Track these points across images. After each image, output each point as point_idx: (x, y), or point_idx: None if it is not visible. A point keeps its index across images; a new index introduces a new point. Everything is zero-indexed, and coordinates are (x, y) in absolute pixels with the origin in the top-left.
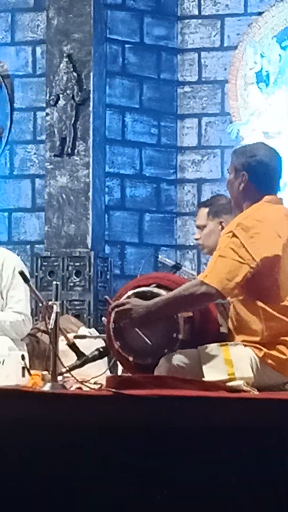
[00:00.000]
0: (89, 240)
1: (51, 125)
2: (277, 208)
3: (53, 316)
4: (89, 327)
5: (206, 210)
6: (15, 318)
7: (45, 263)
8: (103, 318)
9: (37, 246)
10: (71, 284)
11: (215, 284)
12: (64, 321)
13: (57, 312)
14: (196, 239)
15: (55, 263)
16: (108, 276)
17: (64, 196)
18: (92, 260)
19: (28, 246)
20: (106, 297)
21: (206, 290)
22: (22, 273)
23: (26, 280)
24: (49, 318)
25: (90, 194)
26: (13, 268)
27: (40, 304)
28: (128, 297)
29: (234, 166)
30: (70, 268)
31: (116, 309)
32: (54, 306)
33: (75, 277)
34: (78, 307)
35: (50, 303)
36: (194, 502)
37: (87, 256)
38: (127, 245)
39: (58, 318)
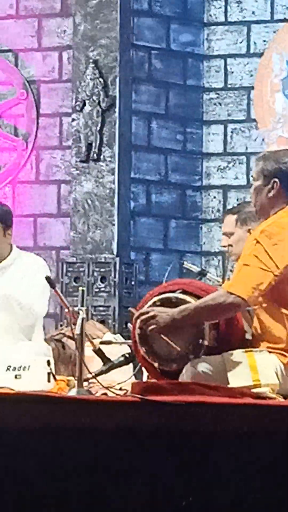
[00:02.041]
0: (114, 246)
1: (77, 131)
2: None
3: (79, 321)
4: (114, 333)
5: (234, 217)
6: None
7: (70, 269)
8: (129, 325)
9: (62, 251)
10: (96, 290)
11: (242, 294)
12: (90, 327)
13: (83, 318)
14: (223, 246)
15: (81, 269)
16: (133, 282)
17: (89, 202)
18: (117, 266)
19: (53, 252)
20: (131, 309)
21: (233, 301)
22: (48, 278)
23: (52, 285)
24: (74, 324)
25: (116, 200)
26: (37, 269)
27: (66, 310)
28: (154, 302)
29: (261, 172)
30: (95, 274)
31: (141, 317)
32: (80, 312)
33: (100, 283)
34: (103, 313)
35: (76, 308)
36: (220, 508)
37: (112, 262)
38: (152, 251)
39: (84, 324)
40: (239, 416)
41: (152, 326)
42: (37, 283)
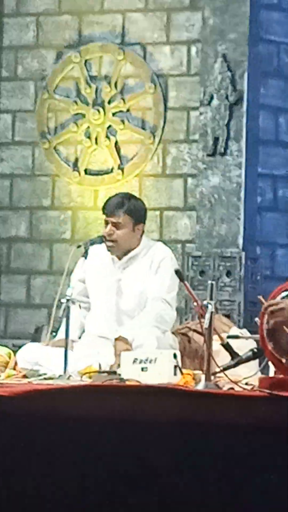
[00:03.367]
0: (240, 241)
1: (204, 125)
2: None
3: (207, 315)
4: (239, 328)
5: None
6: (160, 307)
7: (196, 263)
8: (256, 319)
9: (188, 245)
10: (222, 284)
11: None
12: (216, 321)
13: (211, 312)
14: None
15: (206, 263)
16: (258, 277)
17: (216, 196)
18: (243, 261)
19: (179, 245)
20: (259, 297)
21: None
22: (178, 271)
23: (181, 278)
24: (202, 317)
25: (242, 194)
26: (162, 259)
27: (195, 304)
28: (283, 297)
29: None
30: (220, 268)
31: (270, 309)
32: (209, 306)
33: (226, 277)
34: (228, 307)
35: (204, 302)
36: None
37: (238, 257)
38: (279, 246)
39: (213, 318)
40: None
41: (279, 319)
42: (165, 273)
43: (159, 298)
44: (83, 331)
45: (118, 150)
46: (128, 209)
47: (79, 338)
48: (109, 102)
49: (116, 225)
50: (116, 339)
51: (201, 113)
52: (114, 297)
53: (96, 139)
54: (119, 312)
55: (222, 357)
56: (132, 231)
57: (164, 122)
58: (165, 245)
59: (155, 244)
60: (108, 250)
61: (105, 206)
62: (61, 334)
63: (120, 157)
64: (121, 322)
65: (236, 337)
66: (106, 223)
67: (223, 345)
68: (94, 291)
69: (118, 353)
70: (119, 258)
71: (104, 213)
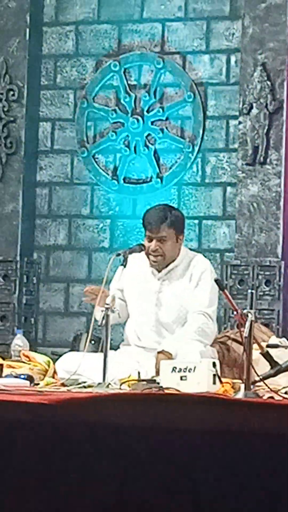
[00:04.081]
0: (279, 250)
1: (243, 134)
2: None
3: (247, 324)
4: (278, 337)
5: None
6: (202, 321)
7: (235, 272)
8: None
9: (226, 254)
10: (261, 293)
11: None
12: (255, 330)
13: (251, 321)
14: None
15: (245, 272)
16: None
17: (255, 205)
18: (282, 270)
19: (218, 254)
20: None
21: None
22: (217, 281)
23: (221, 287)
24: (242, 326)
25: (282, 203)
26: (202, 272)
27: (235, 313)
28: None
29: None
30: (259, 277)
31: None
32: (249, 315)
33: (265, 286)
34: (267, 316)
35: (244, 311)
36: None
37: (277, 266)
38: None
39: (253, 327)
40: None
41: None
42: (205, 286)
43: (201, 312)
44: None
45: (157, 159)
46: (171, 222)
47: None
48: (148, 111)
49: (161, 240)
50: (158, 352)
51: (240, 122)
52: (154, 308)
53: (135, 147)
54: (158, 324)
55: (261, 366)
56: (175, 242)
57: (203, 131)
58: (204, 257)
59: (194, 256)
60: (152, 266)
61: (147, 221)
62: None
63: (159, 165)
64: (160, 333)
65: (276, 346)
66: (150, 239)
67: (262, 354)
68: (133, 301)
69: (158, 366)
70: (158, 270)
71: (147, 229)
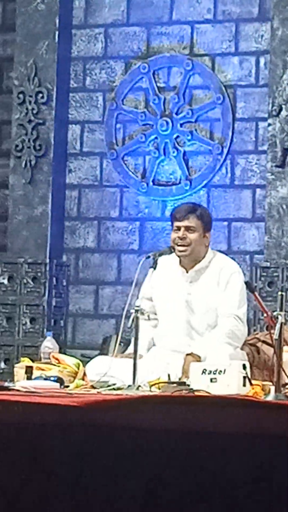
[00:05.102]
0: None
1: (273, 136)
2: None
3: (277, 326)
4: None
5: None
6: (232, 324)
7: (264, 274)
8: None
9: (256, 256)
10: None
11: None
12: (285, 332)
13: (281, 323)
14: None
15: (275, 274)
16: None
17: (284, 207)
18: None
19: (247, 256)
20: None
21: None
22: (247, 283)
23: (251, 290)
24: (272, 328)
25: None
26: (230, 274)
27: (265, 315)
28: None
29: None
30: None
31: None
32: (279, 317)
33: None
34: None
35: (274, 313)
36: None
37: None
38: None
39: (283, 329)
40: None
41: None
42: (235, 288)
43: (231, 315)
44: (152, 344)
45: (186, 161)
46: (200, 214)
47: (147, 351)
48: (177, 113)
49: (188, 229)
50: (187, 355)
51: (269, 124)
52: (184, 311)
53: (164, 149)
54: (189, 327)
55: None
56: (202, 236)
57: (233, 133)
58: (231, 259)
59: (221, 258)
60: (179, 256)
61: (176, 212)
62: (130, 349)
63: (188, 168)
64: (191, 336)
65: None
66: (178, 229)
67: None
68: (164, 304)
69: (186, 368)
70: (187, 271)
71: (175, 219)
